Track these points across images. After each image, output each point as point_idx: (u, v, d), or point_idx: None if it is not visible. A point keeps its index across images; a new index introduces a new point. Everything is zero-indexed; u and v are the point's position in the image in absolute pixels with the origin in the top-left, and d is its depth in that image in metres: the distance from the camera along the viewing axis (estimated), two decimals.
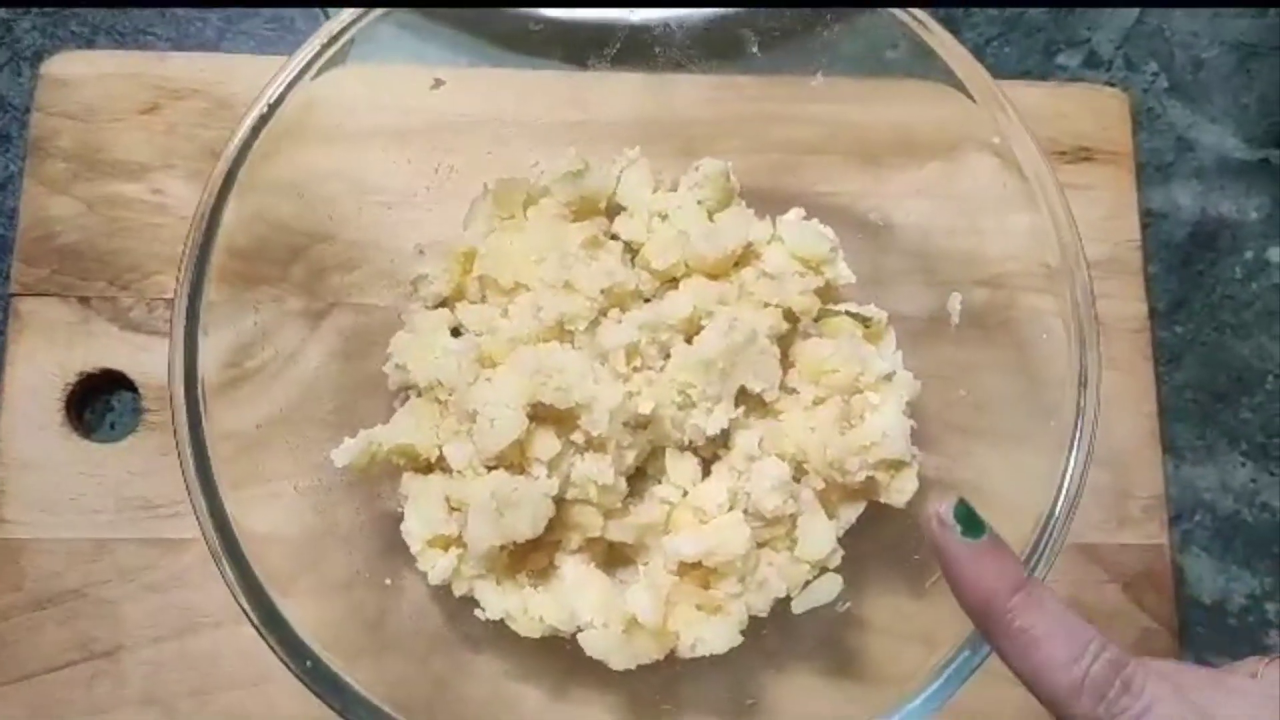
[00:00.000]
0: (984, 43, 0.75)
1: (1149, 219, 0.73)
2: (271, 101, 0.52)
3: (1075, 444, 0.50)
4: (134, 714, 0.59)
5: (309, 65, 0.52)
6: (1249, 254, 0.74)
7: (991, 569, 0.39)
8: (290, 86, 0.52)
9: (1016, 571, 0.39)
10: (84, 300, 0.63)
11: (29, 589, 0.60)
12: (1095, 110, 0.72)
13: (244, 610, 0.45)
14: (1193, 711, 0.37)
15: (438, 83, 0.58)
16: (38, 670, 0.59)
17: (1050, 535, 0.49)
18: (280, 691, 0.59)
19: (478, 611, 0.55)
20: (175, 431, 0.48)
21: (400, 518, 0.56)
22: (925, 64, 0.56)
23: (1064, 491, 0.49)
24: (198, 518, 0.46)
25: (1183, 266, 0.73)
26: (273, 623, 0.45)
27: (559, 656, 0.55)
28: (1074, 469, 0.50)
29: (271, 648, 0.45)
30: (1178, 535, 0.68)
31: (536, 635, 0.54)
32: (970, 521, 0.40)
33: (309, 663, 0.45)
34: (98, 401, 0.64)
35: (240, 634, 0.59)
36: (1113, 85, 0.74)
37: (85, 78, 0.66)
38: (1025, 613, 0.38)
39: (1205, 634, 0.68)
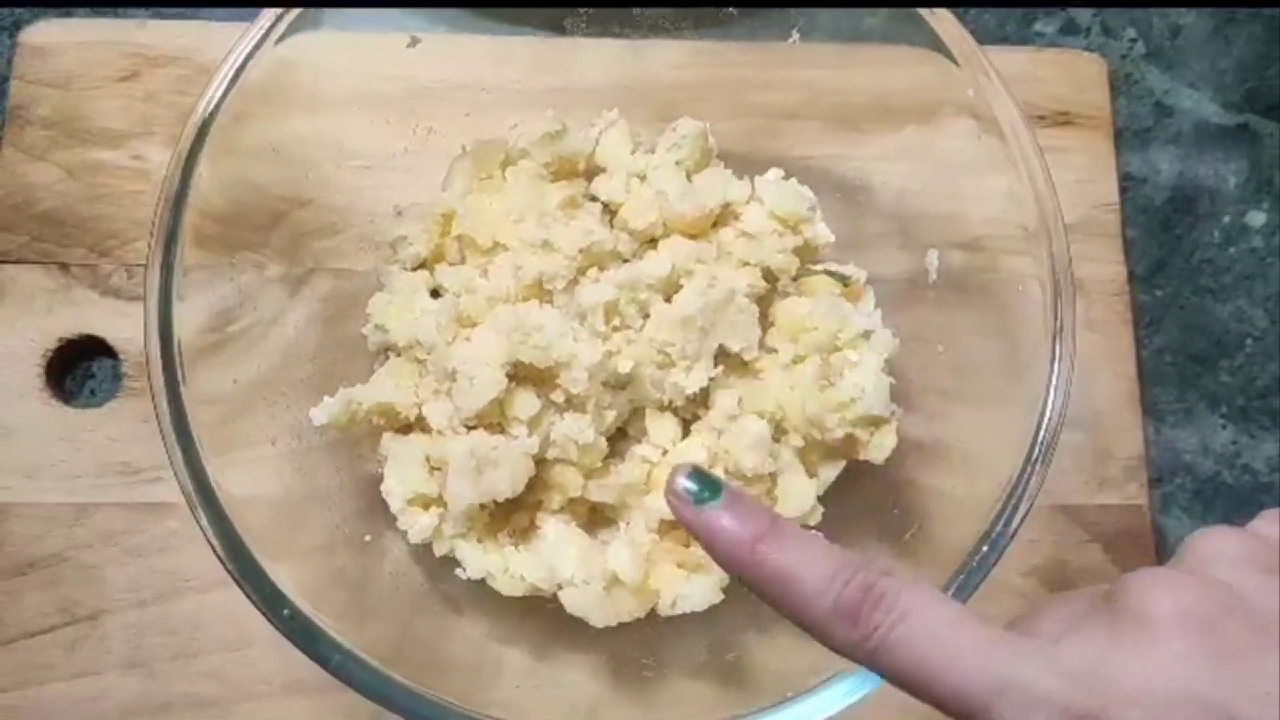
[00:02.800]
0: (962, 11, 0.75)
1: (1128, 184, 0.73)
2: (239, 63, 0.51)
3: (1051, 390, 0.50)
4: (116, 678, 0.59)
5: (273, 26, 0.52)
6: (1227, 218, 0.74)
7: (733, 524, 0.38)
8: (258, 46, 0.51)
9: (758, 519, 0.38)
10: (64, 267, 0.63)
11: (10, 554, 0.60)
12: (1073, 75, 0.72)
13: (220, 559, 0.45)
14: (951, 609, 0.36)
15: (414, 40, 0.58)
16: (19, 635, 0.59)
17: (1025, 484, 0.49)
18: (263, 655, 0.60)
19: (459, 571, 0.55)
20: (153, 394, 0.48)
21: (380, 478, 0.56)
22: (904, 28, 0.56)
23: (1040, 439, 0.49)
24: (176, 476, 0.46)
25: (1162, 230, 0.73)
26: (250, 573, 0.45)
27: (540, 617, 0.55)
28: (1050, 416, 0.50)
29: (249, 596, 0.45)
30: (1158, 497, 0.69)
31: (518, 594, 0.54)
32: (703, 485, 0.39)
33: (286, 611, 0.45)
34: (78, 368, 0.64)
35: (223, 598, 0.60)
36: (1090, 51, 0.74)
37: (64, 45, 0.66)
38: (773, 555, 0.37)
39: None
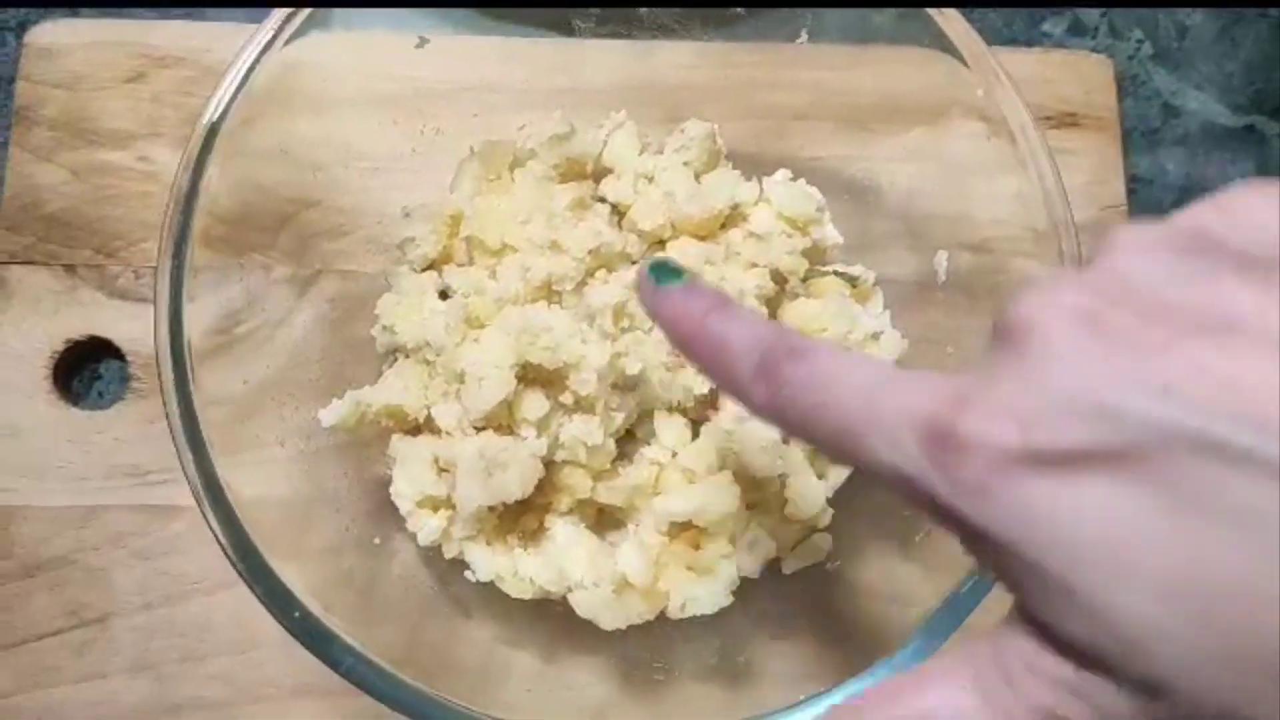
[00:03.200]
0: (969, 11, 0.75)
1: (1135, 185, 0.73)
2: (248, 65, 0.51)
3: None
4: (124, 681, 0.59)
5: (281, 28, 0.52)
6: None
7: (689, 301, 0.38)
8: (266, 49, 0.51)
9: (712, 297, 0.38)
10: (70, 268, 0.63)
11: (17, 556, 0.60)
12: (1080, 76, 0.72)
13: (230, 560, 0.45)
14: (856, 357, 0.34)
15: (422, 41, 0.58)
16: (27, 637, 0.59)
17: None
18: (271, 657, 0.59)
19: (468, 574, 0.55)
20: (163, 396, 0.48)
21: (389, 480, 0.56)
22: (913, 28, 0.56)
23: None
24: (186, 477, 0.46)
25: None
26: (260, 574, 0.45)
27: (549, 619, 0.55)
28: None
29: (259, 598, 0.45)
30: None
31: (527, 597, 0.54)
32: (667, 270, 0.40)
33: (297, 614, 0.45)
34: (85, 370, 0.64)
35: (231, 600, 0.60)
36: (1097, 53, 0.74)
37: (71, 46, 0.66)
38: (715, 323, 0.36)
39: None
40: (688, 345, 0.38)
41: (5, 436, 0.61)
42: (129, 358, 0.63)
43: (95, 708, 0.59)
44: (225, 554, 0.45)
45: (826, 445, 0.33)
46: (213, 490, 0.46)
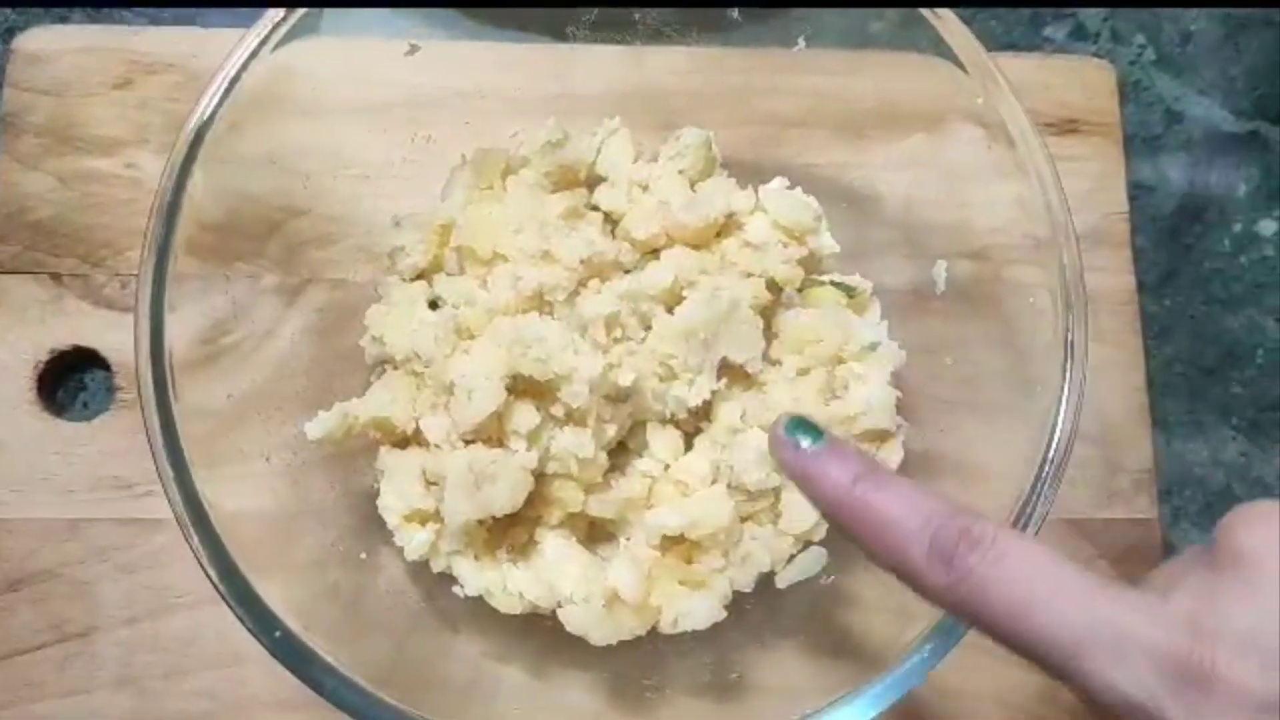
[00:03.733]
0: (970, 16, 0.74)
1: (1137, 192, 0.72)
2: (235, 70, 0.50)
3: (1062, 407, 0.49)
4: (108, 696, 0.58)
5: (270, 33, 0.51)
6: (1237, 227, 0.73)
7: (835, 466, 0.38)
8: (253, 54, 0.50)
9: (859, 462, 0.38)
10: (56, 277, 0.62)
11: (1, 570, 0.59)
12: (1081, 82, 0.71)
13: (211, 580, 0.44)
14: (1050, 552, 0.34)
15: (413, 48, 0.57)
16: (9, 652, 0.58)
17: (1035, 502, 0.48)
18: (254, 673, 0.59)
19: (456, 589, 0.54)
20: (143, 408, 0.47)
21: (376, 493, 0.55)
22: (911, 34, 0.55)
23: (1050, 457, 0.48)
24: (165, 491, 0.45)
25: (1171, 240, 0.72)
26: (240, 594, 0.44)
27: (539, 635, 0.54)
28: (1060, 433, 0.49)
29: (240, 619, 0.44)
30: (1168, 510, 0.68)
31: (516, 612, 0.53)
32: (805, 429, 0.40)
33: (278, 633, 0.44)
34: (70, 380, 0.63)
35: (215, 615, 0.58)
36: (1100, 58, 0.73)
37: (58, 53, 0.65)
38: (875, 501, 0.37)
39: None
40: (838, 515, 0.38)
41: None
42: (114, 368, 0.62)
43: None
44: (204, 572, 0.44)
45: (1022, 648, 0.33)
46: (193, 507, 0.45)
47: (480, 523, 0.53)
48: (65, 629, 0.59)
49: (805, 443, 0.39)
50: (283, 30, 0.51)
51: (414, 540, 0.53)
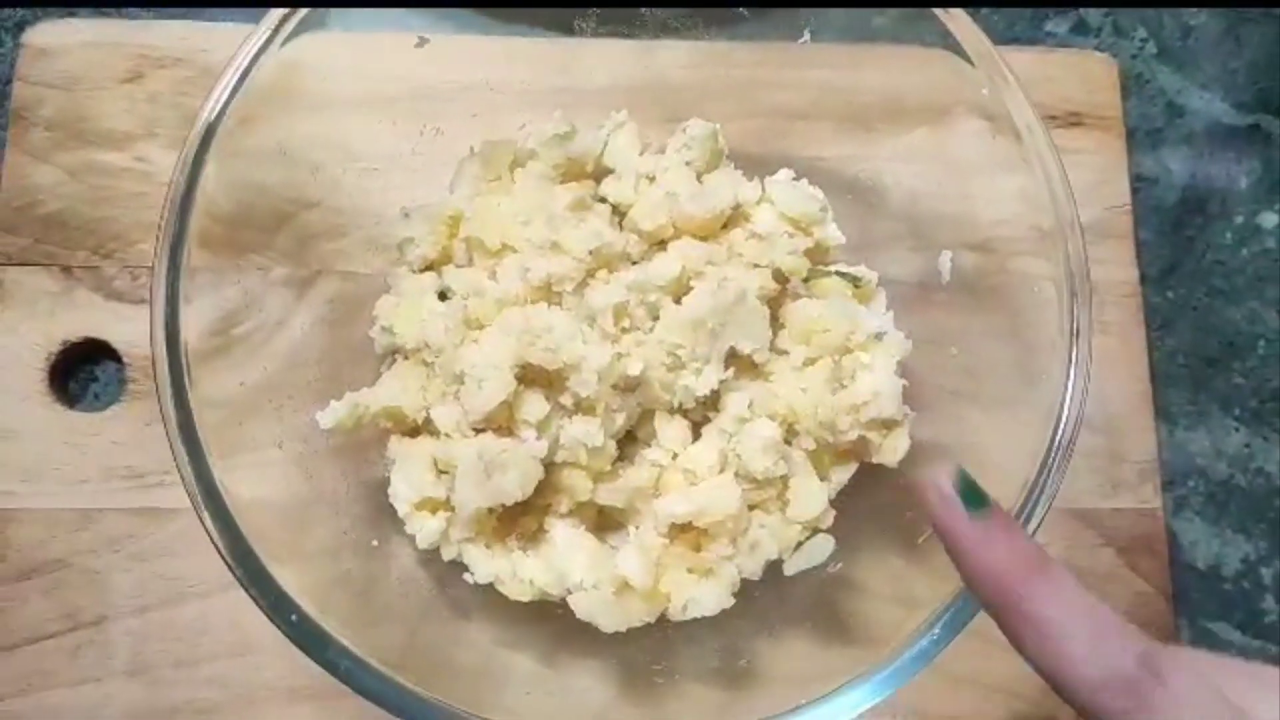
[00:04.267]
0: (972, 11, 0.74)
1: (1139, 184, 0.73)
2: (245, 65, 0.51)
3: (1067, 395, 0.49)
4: (120, 684, 0.59)
5: (279, 27, 0.51)
6: (1239, 219, 0.73)
7: (1003, 549, 0.36)
8: (263, 49, 0.51)
9: (1030, 551, 0.36)
10: (67, 269, 0.63)
11: (13, 559, 0.59)
12: (1084, 75, 0.72)
13: (227, 564, 0.44)
14: (1230, 711, 0.33)
15: (422, 40, 0.57)
16: (22, 640, 0.59)
17: (1040, 490, 0.48)
18: (267, 660, 0.59)
19: (466, 576, 0.54)
20: (159, 397, 0.47)
21: (387, 482, 0.55)
22: (915, 27, 0.55)
23: (1055, 445, 0.49)
24: (182, 477, 0.46)
25: (1173, 232, 0.73)
26: (256, 579, 0.45)
27: (549, 622, 0.55)
28: (1066, 421, 0.49)
29: (255, 601, 0.44)
30: (1172, 500, 0.68)
31: (526, 599, 0.54)
32: (972, 493, 0.37)
33: (294, 617, 0.44)
34: (81, 371, 0.64)
35: (227, 603, 0.59)
36: (1101, 52, 0.74)
37: (67, 47, 0.66)
38: (1042, 600, 0.35)
39: (1200, 599, 0.67)
40: (993, 599, 0.36)
41: (2, 439, 0.61)
42: (125, 359, 0.63)
43: (91, 711, 0.58)
44: (221, 557, 0.45)
45: None
46: (209, 493, 0.45)
47: (491, 511, 0.53)
48: (77, 618, 0.59)
49: (972, 508, 0.37)
50: (291, 24, 0.52)
51: (425, 528, 0.54)
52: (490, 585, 0.54)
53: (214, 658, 0.59)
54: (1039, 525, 0.48)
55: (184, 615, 0.60)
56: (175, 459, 0.45)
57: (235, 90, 0.51)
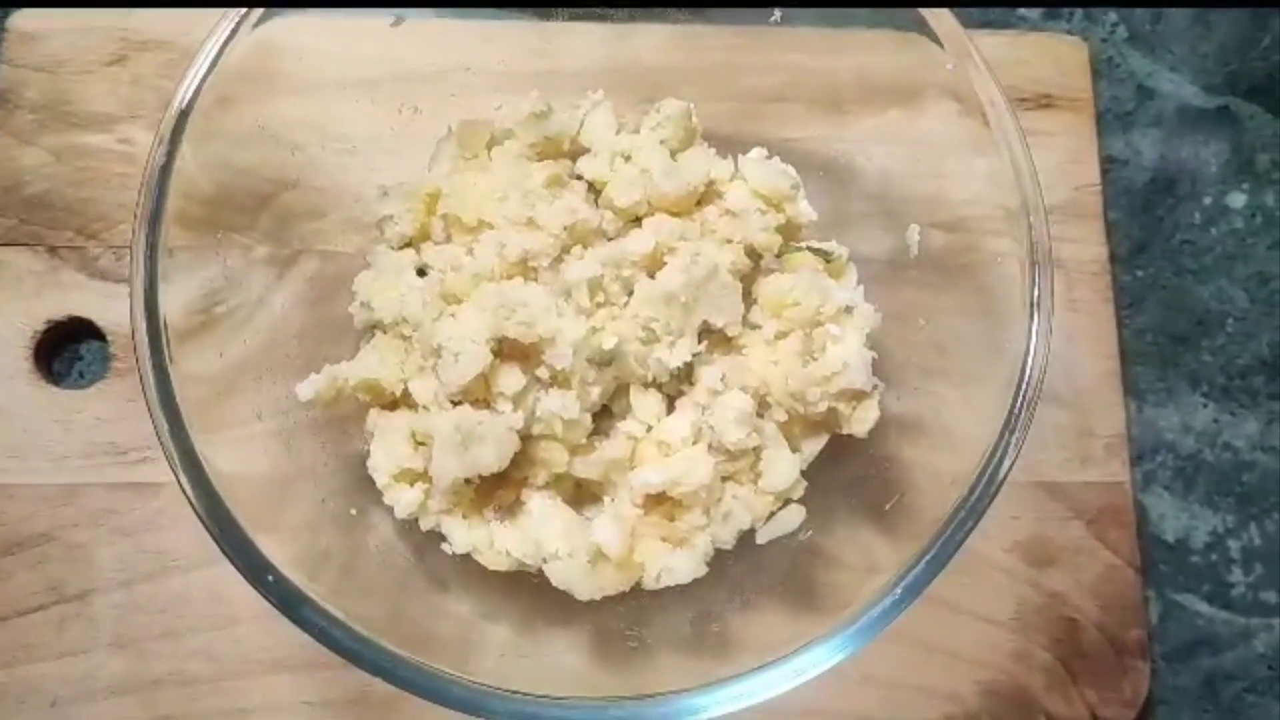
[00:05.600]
0: None
1: (1110, 166, 0.74)
2: (218, 46, 0.51)
3: (1030, 354, 0.50)
4: (105, 657, 0.59)
5: (252, 8, 0.52)
6: (1208, 200, 0.74)
7: None
8: (236, 29, 0.52)
9: None
10: (52, 249, 0.64)
11: None
12: (1055, 58, 0.73)
13: (207, 529, 0.45)
14: None
15: (398, 20, 0.58)
16: (8, 614, 0.60)
17: (1003, 451, 0.49)
18: (250, 632, 0.60)
19: (445, 546, 0.55)
20: (140, 372, 0.48)
21: (367, 455, 0.56)
22: (888, 12, 0.56)
23: (1016, 410, 0.50)
24: (164, 450, 0.46)
25: (1143, 212, 0.74)
26: (235, 542, 0.45)
27: (525, 591, 0.56)
28: (1028, 378, 0.50)
29: (234, 563, 0.45)
30: (1140, 475, 0.69)
31: (503, 569, 0.55)
32: None
33: (271, 578, 0.45)
34: (66, 350, 0.65)
35: (210, 576, 0.60)
36: (1072, 35, 0.75)
37: (52, 31, 0.67)
38: None
39: (1168, 571, 0.69)
40: None
41: None
42: (109, 337, 0.64)
43: (76, 684, 0.59)
44: (202, 522, 0.46)
45: None
46: (189, 460, 0.46)
47: (468, 482, 0.54)
48: (62, 591, 0.60)
49: None
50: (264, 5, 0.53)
51: (403, 499, 0.55)
52: (468, 555, 0.55)
53: (198, 630, 0.60)
54: (999, 488, 0.49)
55: (168, 588, 0.60)
56: (156, 431, 0.46)
57: (209, 71, 0.51)
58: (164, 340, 0.48)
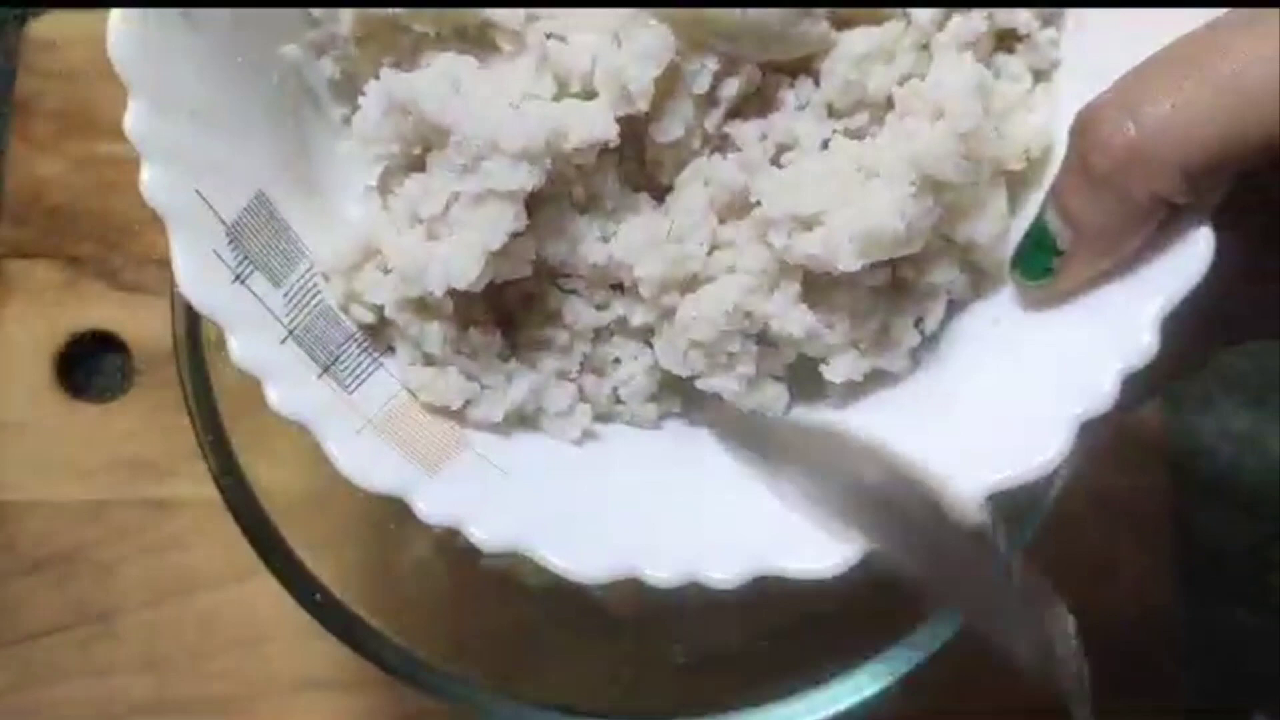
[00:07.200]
0: None
1: None
2: None
3: None
4: (131, 676, 0.58)
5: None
6: None
7: None
8: None
9: None
10: (73, 260, 0.63)
11: (21, 552, 0.59)
12: None
13: (254, 547, 0.44)
14: None
15: None
16: (32, 633, 0.59)
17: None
18: (278, 652, 0.59)
19: (484, 561, 0.54)
20: (181, 382, 0.47)
21: None
22: None
23: None
24: (207, 463, 0.45)
25: None
26: (282, 560, 0.44)
27: (569, 607, 0.55)
28: None
29: (283, 583, 0.44)
30: (1178, 482, 0.69)
31: (543, 585, 0.53)
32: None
33: (317, 596, 0.44)
34: (88, 362, 0.64)
35: (237, 595, 0.59)
36: None
37: (71, 39, 0.66)
38: None
39: (1207, 578, 0.68)
40: None
41: (9, 431, 0.61)
42: (132, 350, 0.62)
43: (101, 705, 0.58)
44: (248, 539, 0.44)
45: None
46: (233, 476, 0.45)
47: None
48: (87, 611, 0.59)
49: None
50: None
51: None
52: (507, 570, 0.54)
53: (225, 650, 0.59)
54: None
55: (194, 607, 0.59)
56: (199, 443, 0.45)
57: None
58: (205, 354, 0.46)
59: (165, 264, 0.60)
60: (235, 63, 0.37)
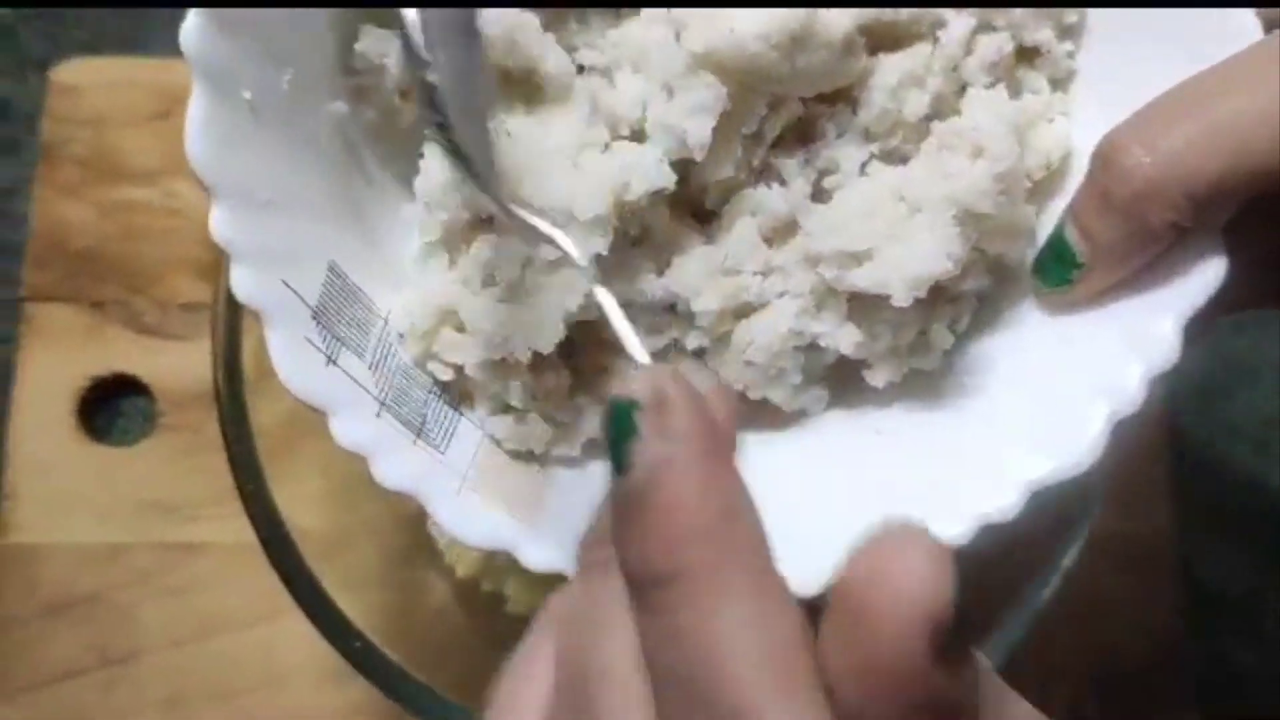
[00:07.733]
0: None
1: None
2: None
3: None
4: (153, 719, 0.58)
5: None
6: None
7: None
8: None
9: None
10: (97, 305, 0.63)
11: (42, 595, 0.59)
12: None
13: (291, 592, 0.45)
14: None
15: None
16: (54, 677, 0.58)
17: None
18: (302, 692, 0.59)
19: (508, 608, 0.55)
20: (222, 426, 0.47)
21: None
22: None
23: None
24: (246, 508, 0.46)
25: None
26: (320, 605, 0.45)
27: None
28: None
29: (320, 630, 0.45)
30: (1180, 523, 0.70)
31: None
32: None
33: (358, 643, 0.45)
34: (110, 406, 0.64)
35: (260, 636, 0.59)
36: None
37: (95, 85, 0.67)
38: None
39: (1210, 618, 0.69)
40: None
41: (31, 474, 0.61)
42: (156, 394, 0.63)
43: None
44: (285, 585, 0.45)
45: None
46: (272, 520, 0.45)
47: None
48: (109, 653, 0.59)
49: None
50: None
51: (464, 558, 0.54)
52: (528, 616, 0.54)
53: (249, 690, 0.59)
54: None
55: (218, 648, 0.60)
56: (239, 487, 0.46)
57: None
58: (243, 392, 0.47)
59: (188, 308, 0.62)
60: (291, 137, 0.38)
